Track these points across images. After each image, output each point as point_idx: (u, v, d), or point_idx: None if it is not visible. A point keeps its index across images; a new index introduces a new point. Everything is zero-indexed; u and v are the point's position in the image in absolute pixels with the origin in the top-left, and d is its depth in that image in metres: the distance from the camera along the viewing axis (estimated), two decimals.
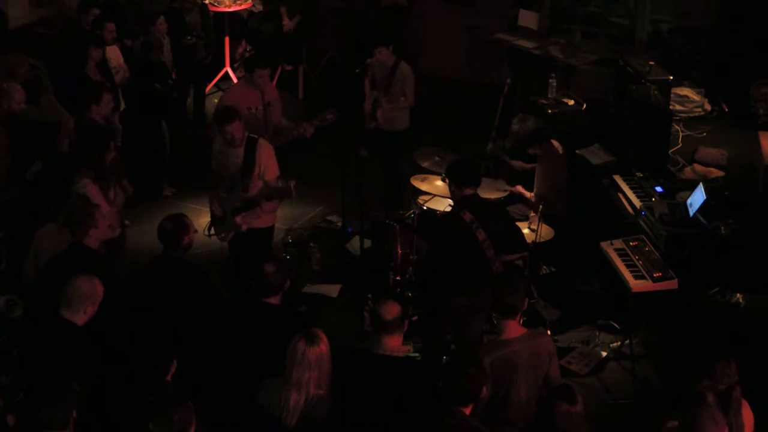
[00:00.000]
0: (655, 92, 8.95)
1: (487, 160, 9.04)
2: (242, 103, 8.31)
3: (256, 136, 7.55)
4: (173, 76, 10.24)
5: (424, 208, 8.16)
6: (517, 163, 8.81)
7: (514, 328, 5.52)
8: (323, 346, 5.20)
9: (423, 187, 8.25)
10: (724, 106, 10.18)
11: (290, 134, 8.46)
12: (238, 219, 7.49)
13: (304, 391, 5.14)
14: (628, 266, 7.40)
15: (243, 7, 12.32)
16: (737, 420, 5.14)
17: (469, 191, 6.84)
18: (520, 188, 8.44)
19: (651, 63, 9.54)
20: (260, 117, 8.36)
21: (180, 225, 6.42)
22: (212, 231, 7.74)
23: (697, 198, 7.73)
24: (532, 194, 8.33)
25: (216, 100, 10.47)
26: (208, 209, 7.90)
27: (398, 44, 9.23)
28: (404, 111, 9.15)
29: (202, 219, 8.22)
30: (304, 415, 5.14)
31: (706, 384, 5.12)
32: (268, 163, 7.47)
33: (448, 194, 7.92)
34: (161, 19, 10.14)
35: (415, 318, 7.56)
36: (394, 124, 9.15)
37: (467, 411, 4.97)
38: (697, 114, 10.06)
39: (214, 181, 7.70)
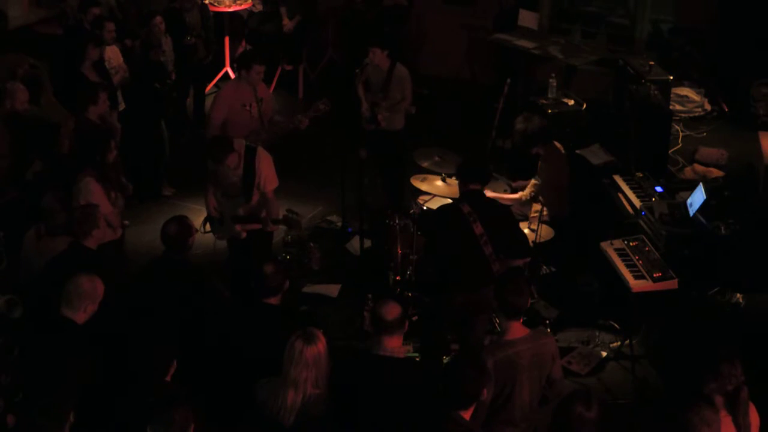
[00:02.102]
0: (655, 92, 8.94)
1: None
2: (236, 100, 8.33)
3: (254, 146, 7.51)
4: (173, 76, 10.24)
5: (424, 208, 8.16)
6: None
7: (517, 329, 5.50)
8: (320, 345, 5.20)
9: (423, 187, 8.25)
10: (724, 106, 10.18)
11: (285, 127, 8.48)
12: (237, 227, 7.48)
13: (302, 390, 5.15)
14: (628, 266, 7.40)
15: (243, 7, 12.32)
16: (745, 421, 5.11)
17: (473, 187, 6.82)
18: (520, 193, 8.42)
19: (651, 63, 9.53)
20: (255, 113, 8.37)
21: (184, 228, 6.40)
22: (208, 228, 7.70)
23: (697, 198, 7.73)
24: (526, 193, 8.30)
25: None
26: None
27: (395, 47, 9.22)
28: (401, 111, 9.16)
29: (201, 219, 8.20)
30: (302, 413, 5.15)
31: (713, 386, 5.08)
32: (267, 173, 7.43)
33: (449, 194, 7.94)
34: (158, 19, 10.13)
35: (415, 318, 7.56)
36: (393, 124, 9.15)
37: (467, 414, 4.95)
38: (697, 114, 10.06)
39: (210, 180, 7.62)
